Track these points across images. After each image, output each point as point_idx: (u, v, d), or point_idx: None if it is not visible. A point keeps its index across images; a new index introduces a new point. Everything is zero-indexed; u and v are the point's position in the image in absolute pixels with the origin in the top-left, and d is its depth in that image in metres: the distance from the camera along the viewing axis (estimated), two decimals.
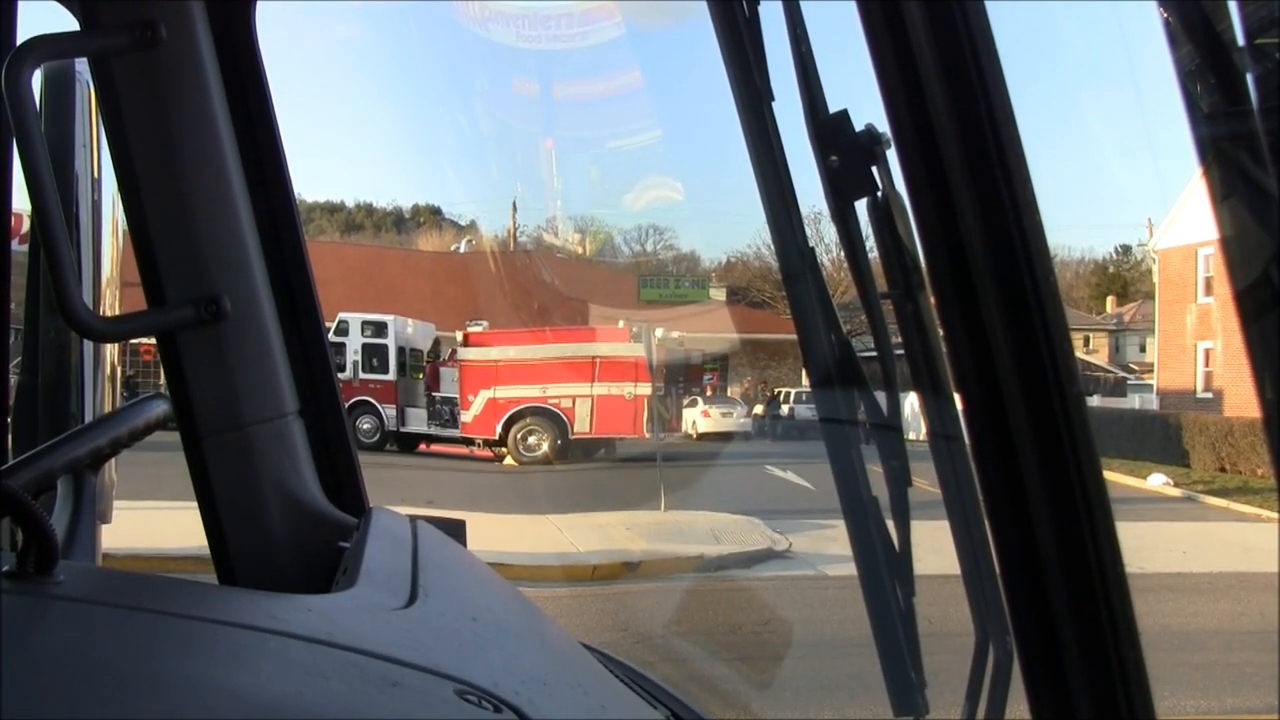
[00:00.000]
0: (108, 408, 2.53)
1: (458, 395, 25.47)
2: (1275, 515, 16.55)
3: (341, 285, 30.75)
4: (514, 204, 43.02)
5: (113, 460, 1.60)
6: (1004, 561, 1.00)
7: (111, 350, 2.72)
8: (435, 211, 74.18)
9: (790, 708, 7.66)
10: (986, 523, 1.03)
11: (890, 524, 1.48)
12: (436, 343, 28.50)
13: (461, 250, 46.12)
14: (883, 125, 1.18)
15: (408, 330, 27.46)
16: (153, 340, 1.51)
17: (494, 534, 11.95)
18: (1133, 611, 0.95)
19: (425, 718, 0.91)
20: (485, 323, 26.41)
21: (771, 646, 9.40)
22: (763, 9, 1.51)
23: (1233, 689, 7.98)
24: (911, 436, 1.47)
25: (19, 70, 1.29)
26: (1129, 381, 42.05)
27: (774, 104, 1.55)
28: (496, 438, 24.82)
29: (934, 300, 1.04)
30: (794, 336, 1.59)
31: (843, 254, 1.44)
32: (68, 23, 1.48)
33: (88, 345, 2.47)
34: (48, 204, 1.31)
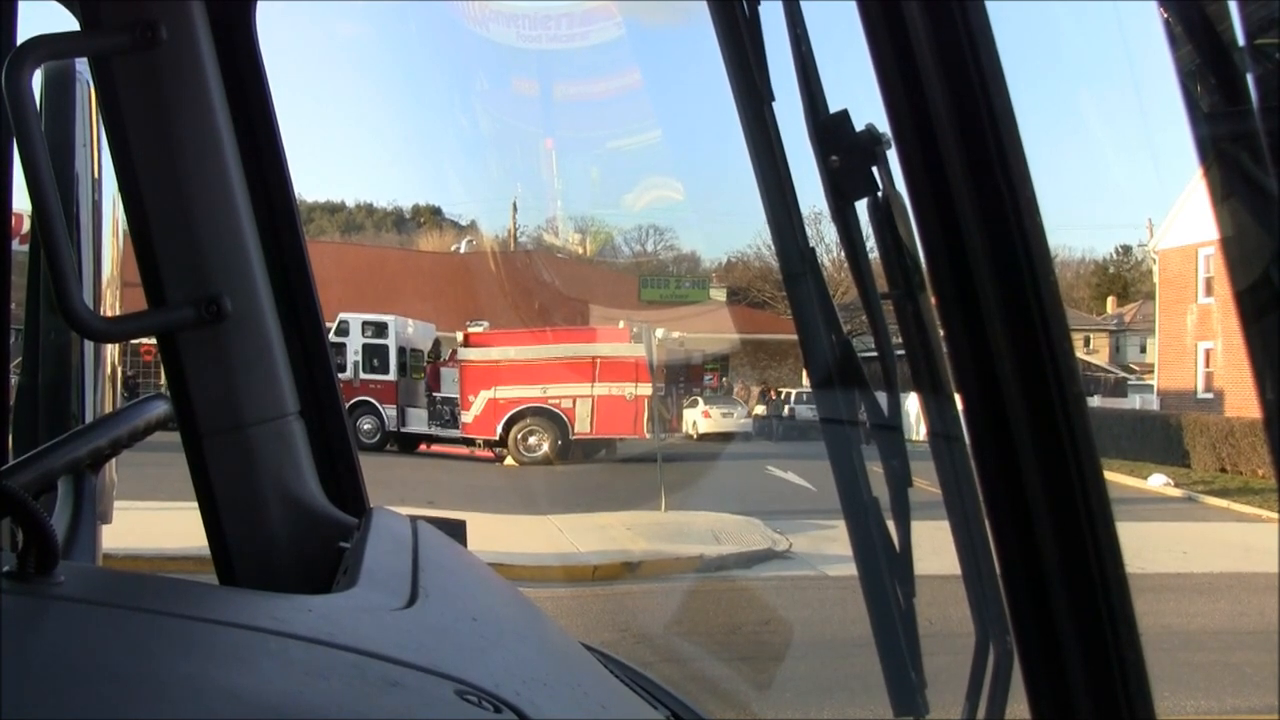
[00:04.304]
0: (108, 408, 2.53)
1: (458, 395, 25.47)
2: (1275, 515, 16.54)
3: (342, 285, 30.77)
4: (514, 204, 43.08)
5: (113, 460, 1.60)
6: (1004, 561, 1.00)
7: (112, 350, 2.72)
8: (436, 212, 74.21)
9: (790, 708, 7.66)
10: (986, 523, 1.03)
11: (890, 524, 1.48)
12: (437, 343, 28.49)
13: (462, 250, 46.10)
14: (883, 125, 1.18)
15: (408, 330, 27.47)
16: (153, 340, 1.51)
17: (494, 534, 11.96)
18: (1133, 611, 0.95)
19: (425, 718, 0.91)
20: (486, 323, 26.43)
21: (771, 646, 9.40)
22: (763, 9, 1.51)
23: (1233, 689, 7.98)
24: (912, 437, 1.47)
25: (19, 70, 1.29)
26: (1129, 382, 42.06)
27: (774, 104, 1.55)
28: (497, 438, 24.82)
29: (934, 300, 1.04)
30: (794, 337, 1.59)
31: (843, 254, 1.44)
32: (68, 23, 1.48)
33: (88, 345, 2.47)
34: (48, 204, 1.31)
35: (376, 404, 25.71)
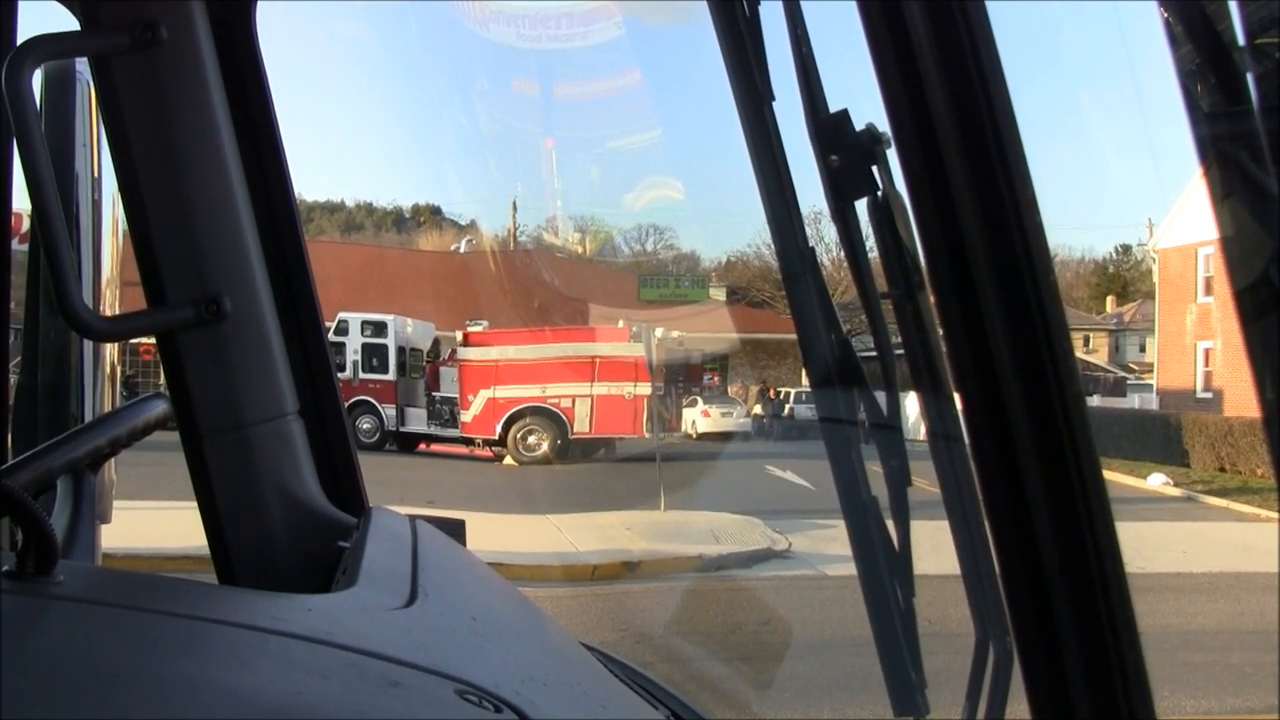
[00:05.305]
0: (107, 407, 2.53)
1: (457, 395, 25.46)
2: (1275, 515, 16.55)
3: (341, 285, 30.75)
4: (514, 203, 42.99)
5: (112, 460, 1.60)
6: (1004, 561, 1.00)
7: (111, 350, 2.72)
8: (435, 211, 74.20)
9: (790, 708, 7.66)
10: (986, 523, 1.03)
11: (890, 524, 1.48)
12: (436, 342, 28.48)
13: (462, 250, 46.08)
14: (883, 125, 1.18)
15: (407, 330, 27.46)
16: (153, 340, 1.51)
17: (494, 534, 11.95)
18: (1132, 611, 0.95)
19: (425, 718, 0.91)
20: (485, 322, 26.41)
21: (771, 646, 9.40)
22: (763, 9, 1.51)
23: (1232, 689, 7.98)
24: (911, 436, 1.47)
25: (19, 70, 1.29)
26: (1129, 381, 42.04)
27: (774, 103, 1.55)
28: (496, 437, 24.81)
29: (934, 300, 1.04)
30: (794, 336, 1.59)
31: (843, 254, 1.44)
32: (68, 23, 1.48)
33: (88, 345, 2.47)
34: (48, 204, 1.31)
35: (376, 403, 25.70)
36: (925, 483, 1.42)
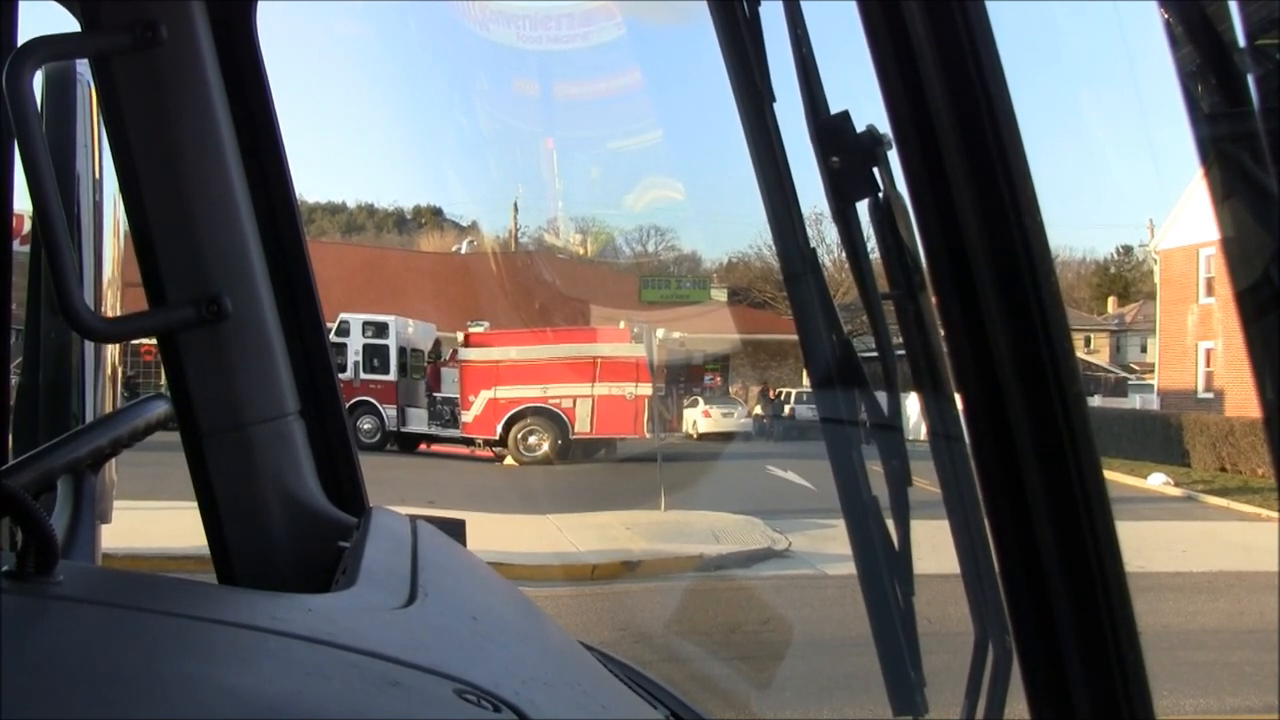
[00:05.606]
0: (108, 408, 2.53)
1: (458, 395, 25.48)
2: (1275, 515, 16.55)
3: (343, 286, 30.75)
4: (515, 204, 42.99)
5: (113, 460, 1.60)
6: (1003, 561, 1.01)
7: (112, 350, 2.72)
8: (436, 212, 74.18)
9: (790, 707, 7.66)
10: (986, 522, 1.03)
11: (890, 523, 1.48)
12: (437, 343, 28.51)
13: (463, 251, 46.09)
14: (884, 126, 1.18)
15: (409, 331, 27.47)
16: (153, 340, 1.51)
17: (494, 534, 11.95)
18: (1132, 611, 0.95)
19: (425, 717, 0.91)
20: (486, 323, 26.42)
21: (771, 646, 9.40)
22: (764, 9, 1.50)
23: (1233, 688, 7.98)
24: (911, 438, 1.47)
25: (20, 71, 1.29)
26: (1130, 381, 42.04)
27: (775, 105, 1.55)
28: (497, 438, 24.82)
29: (935, 301, 1.04)
30: (795, 337, 1.59)
31: (844, 255, 1.44)
32: (68, 23, 1.48)
33: (88, 345, 2.47)
34: (49, 204, 1.32)
35: (377, 404, 25.72)
36: (925, 483, 1.42)
